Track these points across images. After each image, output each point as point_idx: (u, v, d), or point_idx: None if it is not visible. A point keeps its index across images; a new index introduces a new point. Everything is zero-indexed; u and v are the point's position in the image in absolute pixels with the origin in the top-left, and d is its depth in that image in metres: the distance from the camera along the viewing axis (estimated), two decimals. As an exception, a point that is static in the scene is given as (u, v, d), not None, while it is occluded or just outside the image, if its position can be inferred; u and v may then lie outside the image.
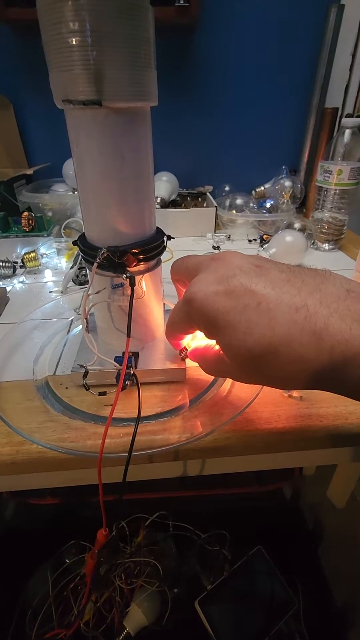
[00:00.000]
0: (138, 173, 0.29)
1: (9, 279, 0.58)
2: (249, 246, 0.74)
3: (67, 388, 0.35)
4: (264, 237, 0.72)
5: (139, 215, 0.31)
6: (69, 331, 0.43)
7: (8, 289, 0.55)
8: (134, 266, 0.31)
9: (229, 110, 0.86)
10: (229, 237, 0.77)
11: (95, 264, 0.30)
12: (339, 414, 0.33)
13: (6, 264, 0.58)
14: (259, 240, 0.74)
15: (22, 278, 0.58)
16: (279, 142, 0.89)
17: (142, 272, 0.33)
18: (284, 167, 0.80)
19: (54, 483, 0.37)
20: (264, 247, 0.64)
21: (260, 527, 0.91)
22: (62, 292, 0.53)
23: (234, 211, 0.80)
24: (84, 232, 0.34)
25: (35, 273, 0.60)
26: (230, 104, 0.86)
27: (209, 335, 0.24)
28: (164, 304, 0.42)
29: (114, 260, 0.30)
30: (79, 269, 0.53)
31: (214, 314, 0.22)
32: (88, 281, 0.53)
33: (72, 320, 0.45)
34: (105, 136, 0.26)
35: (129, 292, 0.31)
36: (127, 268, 0.31)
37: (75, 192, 0.77)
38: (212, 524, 0.85)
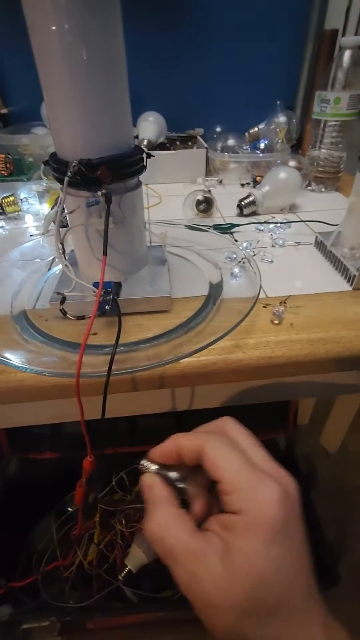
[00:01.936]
0: (107, 65, 0.26)
1: (-12, 225, 0.55)
2: (241, 190, 0.70)
3: (46, 320, 0.33)
4: (257, 178, 0.68)
5: (112, 121, 0.28)
6: (49, 269, 0.41)
7: (-13, 234, 0.52)
8: (109, 182, 0.29)
9: (218, 42, 0.79)
10: (220, 182, 0.73)
11: (67, 180, 0.28)
12: (329, 338, 0.32)
13: (-16, 209, 0.54)
14: (251, 183, 0.70)
15: (1, 223, 0.55)
16: (274, 76, 0.82)
17: (120, 192, 0.31)
18: (278, 102, 0.74)
19: (40, 418, 0.37)
20: (256, 187, 0.61)
21: (255, 474, 0.94)
22: (42, 234, 0.50)
23: (226, 154, 0.76)
24: (53, 151, 0.31)
25: (15, 219, 0.57)
26: (219, 36, 0.78)
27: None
28: (148, 235, 0.39)
29: (87, 174, 0.28)
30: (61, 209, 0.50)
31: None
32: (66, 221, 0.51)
33: (53, 259, 0.43)
34: (62, 13, 0.23)
35: (105, 211, 0.29)
36: (102, 184, 0.28)
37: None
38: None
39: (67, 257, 0.36)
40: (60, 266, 0.42)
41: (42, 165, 0.62)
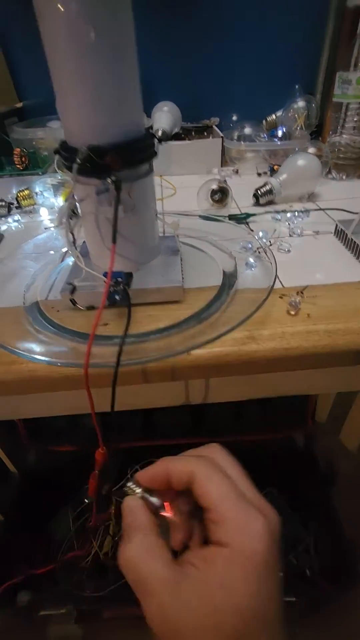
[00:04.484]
0: (116, 48, 0.25)
1: (3, 218, 0.55)
2: (258, 180, 0.68)
3: (58, 311, 0.33)
4: (275, 167, 0.66)
5: (121, 106, 0.27)
6: (62, 261, 0.41)
7: (3, 227, 0.52)
8: (119, 169, 0.28)
9: (233, 28, 0.77)
10: (236, 172, 0.71)
11: (76, 167, 0.27)
12: (349, 329, 0.30)
13: (0, 204, 0.55)
14: (268, 172, 0.68)
15: (16, 217, 0.55)
16: (292, 59, 0.79)
17: (130, 180, 0.30)
18: (297, 86, 0.71)
19: (53, 410, 0.37)
20: (273, 176, 0.59)
21: (273, 472, 0.92)
22: (56, 227, 0.50)
23: (243, 143, 0.74)
24: (63, 139, 0.30)
25: (31, 212, 0.57)
26: (234, 21, 0.76)
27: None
28: (160, 224, 0.39)
29: (96, 161, 0.27)
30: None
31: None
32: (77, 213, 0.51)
33: (65, 251, 0.43)
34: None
35: (115, 199, 0.28)
36: (112, 171, 0.28)
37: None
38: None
39: (78, 248, 0.36)
40: (73, 258, 0.42)
41: (56, 159, 0.62)
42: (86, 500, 0.91)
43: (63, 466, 1.02)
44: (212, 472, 0.20)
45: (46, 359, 0.27)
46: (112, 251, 0.26)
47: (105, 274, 0.30)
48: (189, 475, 0.20)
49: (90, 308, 0.30)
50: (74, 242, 0.31)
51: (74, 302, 0.29)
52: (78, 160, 0.27)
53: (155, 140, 0.31)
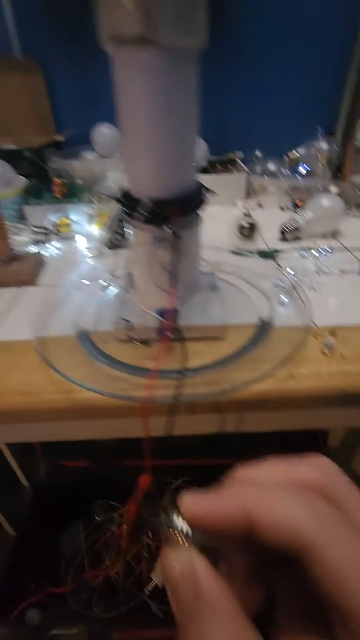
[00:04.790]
0: (184, 119, 0.28)
1: (43, 245, 0.58)
2: (281, 213, 0.71)
3: (107, 342, 0.35)
4: (297, 202, 0.69)
5: (183, 164, 0.30)
6: (105, 292, 0.44)
7: (45, 253, 0.56)
8: (177, 219, 0.31)
9: (258, 66, 0.82)
10: (260, 205, 0.75)
11: (138, 217, 0.30)
12: (383, 371, 0.32)
13: (40, 230, 0.58)
14: (291, 207, 0.71)
15: (55, 244, 0.59)
16: (314, 101, 0.84)
17: (183, 227, 0.33)
18: (318, 127, 0.76)
19: (98, 433, 0.39)
20: (298, 212, 0.62)
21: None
22: (96, 256, 0.53)
23: (265, 177, 0.78)
24: (124, 188, 0.33)
25: (67, 239, 0.61)
26: (259, 60, 0.81)
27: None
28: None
29: (157, 211, 0.30)
30: (113, 232, 0.53)
31: None
32: (122, 245, 0.54)
33: (107, 281, 0.46)
34: (153, 77, 0.26)
35: (171, 247, 0.31)
36: (171, 221, 0.31)
37: (105, 159, 0.76)
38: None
39: (124, 282, 0.39)
40: (115, 288, 0.44)
41: (92, 188, 0.66)
42: (97, 518, 0.91)
43: (75, 481, 1.03)
44: (340, 532, 0.11)
45: (104, 390, 0.29)
46: (170, 295, 0.29)
47: (158, 312, 0.33)
48: (295, 536, 0.11)
49: (143, 342, 0.32)
50: (128, 282, 0.33)
51: (131, 338, 0.31)
52: (142, 211, 0.30)
53: (204, 190, 0.34)
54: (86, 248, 0.58)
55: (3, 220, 0.46)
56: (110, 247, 0.54)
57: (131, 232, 0.34)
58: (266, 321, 0.38)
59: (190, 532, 0.13)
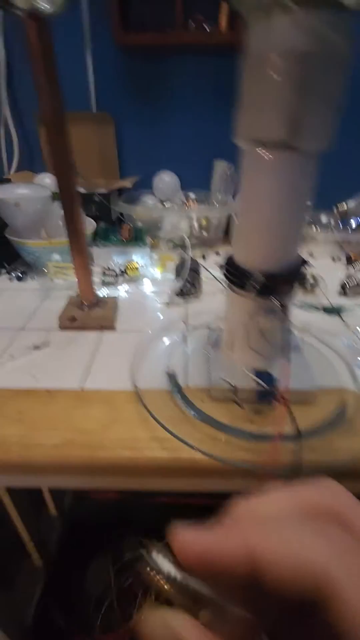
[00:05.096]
0: (302, 207, 0.31)
1: (112, 287, 0.61)
2: (333, 265, 0.74)
3: (204, 401, 0.37)
4: (351, 255, 0.72)
5: (294, 243, 0.33)
6: (186, 342, 0.46)
7: (116, 295, 0.59)
8: (287, 293, 0.33)
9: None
10: (311, 255, 0.77)
11: (249, 288, 0.32)
12: None
13: (111, 273, 0.62)
14: (343, 259, 0.74)
15: (125, 287, 0.61)
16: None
17: (288, 298, 0.35)
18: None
19: (189, 486, 0.39)
20: (354, 265, 0.64)
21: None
22: (168, 304, 0.56)
23: (315, 228, 0.81)
24: (230, 256, 0.36)
25: (135, 282, 0.63)
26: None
27: None
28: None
29: (268, 285, 0.32)
30: (185, 281, 0.56)
31: None
32: (191, 293, 0.56)
33: (185, 332, 0.48)
34: (283, 175, 0.28)
35: (275, 316, 0.33)
36: (279, 294, 0.33)
37: (165, 205, 0.81)
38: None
39: (210, 337, 0.41)
40: (194, 339, 0.46)
41: (152, 232, 0.70)
42: (126, 556, 0.89)
43: (104, 514, 1.01)
44: None
45: (219, 456, 0.30)
46: (285, 368, 0.30)
47: (257, 375, 0.34)
48: (311, 573, 0.09)
49: (238, 403, 0.34)
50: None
51: (239, 404, 0.33)
52: (254, 284, 0.32)
53: (305, 262, 0.36)
54: (152, 292, 0.61)
55: (90, 265, 0.48)
56: (180, 295, 0.57)
57: (229, 297, 0.37)
58: (348, 385, 0.39)
59: (177, 576, 0.11)
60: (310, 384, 0.37)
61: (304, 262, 0.36)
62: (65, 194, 0.42)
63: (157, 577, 0.12)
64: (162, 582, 0.12)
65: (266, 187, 0.29)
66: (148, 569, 0.12)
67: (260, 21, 0.24)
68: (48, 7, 0.31)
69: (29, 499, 0.90)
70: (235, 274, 0.34)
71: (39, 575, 0.89)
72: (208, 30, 0.67)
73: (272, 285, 0.32)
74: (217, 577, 0.11)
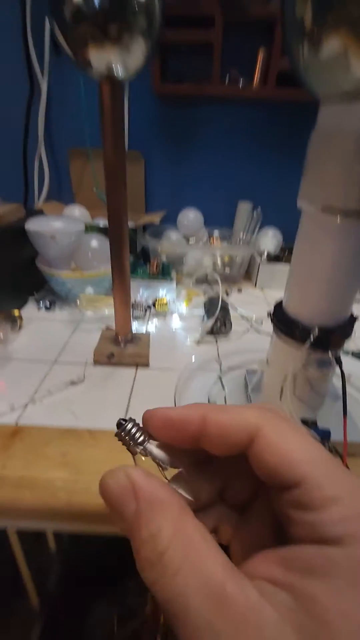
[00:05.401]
0: (361, 266, 0.32)
1: (141, 321, 0.62)
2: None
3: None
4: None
5: (350, 303, 0.34)
6: (222, 384, 0.46)
7: (146, 329, 0.59)
8: (339, 348, 0.34)
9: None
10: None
11: (303, 341, 0.33)
12: None
13: (139, 307, 0.62)
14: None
15: (154, 321, 0.62)
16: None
17: (341, 351, 0.36)
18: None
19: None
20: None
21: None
22: (198, 342, 0.56)
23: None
24: (278, 305, 0.37)
25: (162, 317, 0.64)
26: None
27: None
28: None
29: (321, 339, 0.33)
30: (216, 320, 0.57)
31: None
32: (221, 332, 0.57)
33: (220, 372, 0.48)
34: (347, 240, 0.30)
35: (326, 367, 0.34)
36: (333, 348, 0.34)
37: (189, 240, 0.83)
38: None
39: (249, 379, 0.41)
40: (229, 380, 0.47)
41: (176, 267, 0.71)
42: (129, 599, 0.85)
43: (104, 552, 0.97)
44: (288, 427, 0.13)
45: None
46: (344, 425, 0.31)
47: (315, 430, 0.34)
48: (249, 430, 0.13)
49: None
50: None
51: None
52: (311, 339, 0.33)
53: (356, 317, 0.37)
54: (180, 328, 0.61)
55: (130, 299, 0.49)
56: (211, 333, 0.57)
57: (276, 345, 0.37)
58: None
59: (144, 437, 0.15)
60: (357, 437, 0.37)
61: (355, 318, 0.37)
62: (115, 232, 0.43)
63: (126, 437, 0.15)
64: (130, 442, 0.15)
65: (331, 250, 0.30)
66: (121, 432, 0.15)
67: (338, 103, 0.26)
68: (124, 73, 0.33)
69: (33, 536, 0.86)
70: (285, 324, 0.35)
71: (36, 618, 0.84)
72: (241, 85, 0.71)
73: (326, 339, 0.33)
74: (175, 437, 0.14)
